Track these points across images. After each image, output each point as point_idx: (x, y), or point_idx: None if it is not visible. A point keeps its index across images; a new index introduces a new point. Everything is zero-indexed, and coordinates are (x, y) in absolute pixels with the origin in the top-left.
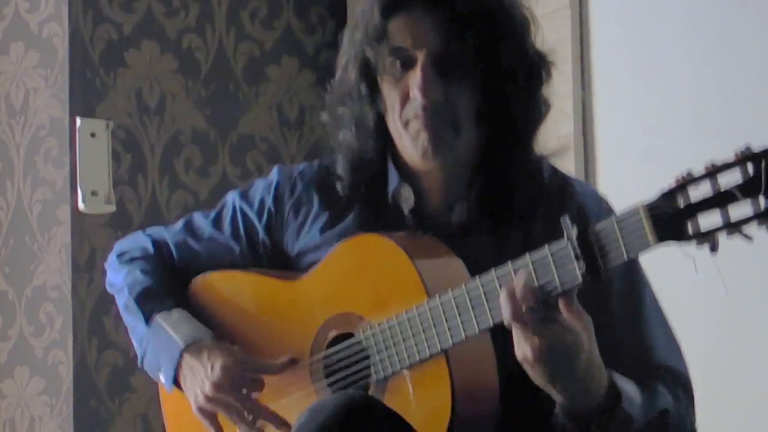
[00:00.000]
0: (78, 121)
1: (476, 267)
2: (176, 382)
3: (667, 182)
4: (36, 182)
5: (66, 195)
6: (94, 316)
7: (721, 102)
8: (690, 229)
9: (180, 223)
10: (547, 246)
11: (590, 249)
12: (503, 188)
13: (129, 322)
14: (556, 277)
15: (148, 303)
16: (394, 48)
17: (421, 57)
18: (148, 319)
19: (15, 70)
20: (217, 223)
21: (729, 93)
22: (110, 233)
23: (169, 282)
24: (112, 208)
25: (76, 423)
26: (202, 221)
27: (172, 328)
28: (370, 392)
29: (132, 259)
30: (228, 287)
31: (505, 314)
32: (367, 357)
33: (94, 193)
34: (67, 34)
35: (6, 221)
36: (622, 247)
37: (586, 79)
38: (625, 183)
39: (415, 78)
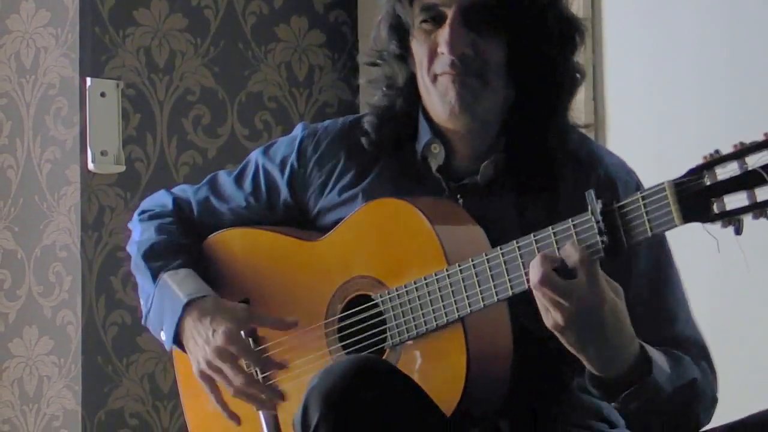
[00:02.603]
0: (88, 81)
1: (499, 230)
2: (177, 342)
3: (678, 167)
4: (46, 142)
5: (76, 155)
6: (102, 276)
7: (732, 90)
8: (716, 209)
9: (204, 181)
10: (570, 219)
11: (614, 224)
12: (532, 150)
13: (138, 279)
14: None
15: (157, 261)
16: (425, 5)
17: (450, 12)
18: (155, 277)
19: (25, 29)
20: (239, 180)
21: (741, 75)
22: (119, 193)
23: (183, 240)
24: (122, 168)
25: (84, 383)
26: (225, 179)
27: (177, 286)
28: (385, 357)
29: (151, 217)
30: (245, 244)
31: (536, 276)
32: (384, 322)
33: (103, 153)
34: None
35: (16, 180)
36: (646, 224)
37: (597, 64)
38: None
39: (443, 33)
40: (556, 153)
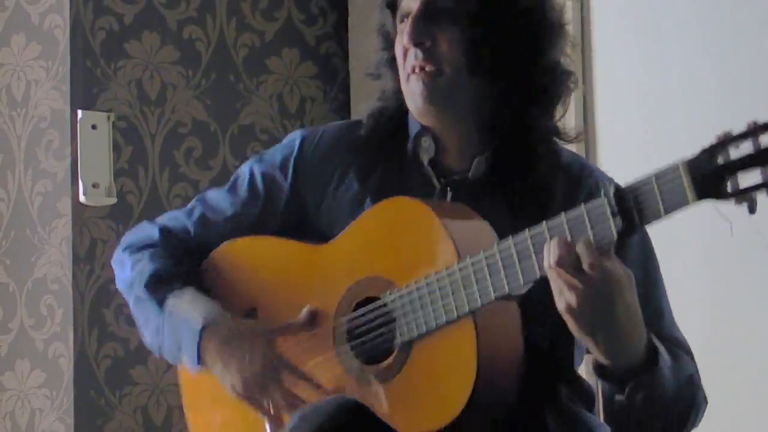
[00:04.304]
0: (79, 113)
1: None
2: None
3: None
4: (37, 174)
5: (67, 187)
6: (94, 309)
7: (722, 98)
8: (729, 187)
9: (194, 201)
10: (583, 204)
11: (627, 207)
12: (521, 150)
13: (141, 315)
14: (591, 235)
15: (159, 288)
16: (401, 7)
17: (415, 6)
18: (161, 305)
19: (16, 62)
20: (232, 191)
21: (730, 82)
22: (111, 225)
23: (179, 263)
24: (113, 200)
25: (76, 415)
26: (216, 194)
27: (187, 308)
28: (394, 356)
29: (139, 249)
30: (251, 252)
31: (553, 256)
32: (393, 320)
33: (95, 186)
34: (68, 25)
35: (7, 213)
36: (660, 204)
37: (587, 71)
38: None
39: (407, 26)
40: (544, 155)
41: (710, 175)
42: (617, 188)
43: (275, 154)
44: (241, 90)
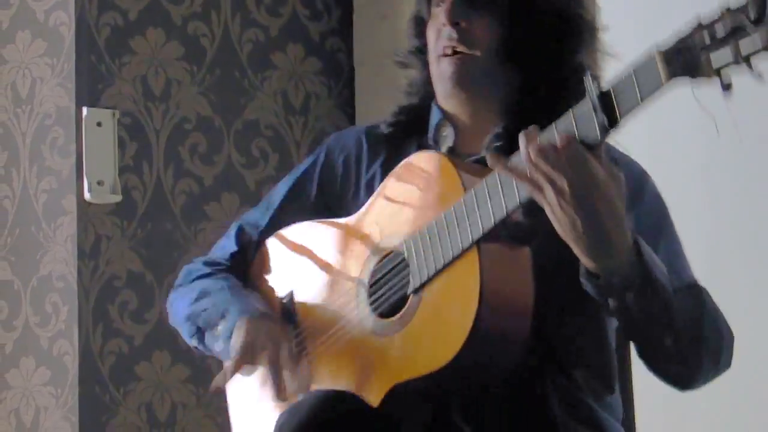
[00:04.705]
0: (84, 110)
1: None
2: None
3: (671, 181)
4: (42, 171)
5: (72, 184)
6: (99, 306)
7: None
8: (702, 64)
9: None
10: (571, 110)
11: (609, 101)
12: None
13: (184, 290)
14: (576, 134)
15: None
16: None
17: None
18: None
19: (21, 59)
20: (265, 205)
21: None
22: (116, 222)
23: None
24: (118, 197)
25: (81, 413)
26: (251, 212)
27: (242, 292)
28: (408, 304)
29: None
30: (288, 239)
31: (533, 149)
32: (406, 267)
33: (100, 183)
34: (73, 22)
35: (12, 210)
36: (637, 90)
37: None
38: None
39: (444, 5)
40: None
41: (683, 55)
42: (600, 87)
43: (300, 166)
44: (246, 86)
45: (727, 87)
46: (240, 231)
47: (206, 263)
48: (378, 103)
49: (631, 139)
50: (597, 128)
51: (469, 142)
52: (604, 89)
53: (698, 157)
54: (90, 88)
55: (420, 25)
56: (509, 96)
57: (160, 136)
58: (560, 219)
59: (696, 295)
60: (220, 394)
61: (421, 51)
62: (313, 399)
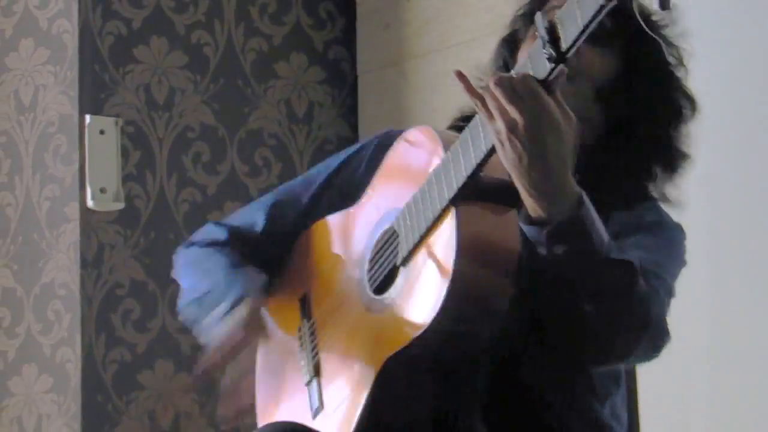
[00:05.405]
0: (87, 118)
1: None
2: None
3: None
4: (45, 179)
5: (75, 192)
6: (101, 314)
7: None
8: None
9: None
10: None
11: (556, 34)
12: (602, 181)
13: (192, 261)
14: (531, 72)
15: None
16: (547, 6)
17: None
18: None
19: (25, 67)
20: (306, 183)
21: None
22: (119, 230)
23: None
24: (121, 205)
25: (83, 421)
26: (290, 185)
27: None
28: (398, 278)
29: (203, 246)
30: (306, 239)
31: (491, 80)
32: (396, 238)
33: (102, 191)
34: (76, 30)
35: (15, 218)
36: (578, 14)
37: None
38: None
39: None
40: (622, 194)
41: None
42: (550, 20)
43: (350, 148)
44: (249, 95)
45: (664, 3)
46: (273, 207)
47: (230, 233)
48: (381, 112)
49: None
50: (546, 61)
51: None
52: (551, 21)
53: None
54: (93, 97)
55: (512, 44)
56: (588, 138)
57: (163, 145)
58: (507, 151)
59: (629, 270)
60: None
61: (506, 67)
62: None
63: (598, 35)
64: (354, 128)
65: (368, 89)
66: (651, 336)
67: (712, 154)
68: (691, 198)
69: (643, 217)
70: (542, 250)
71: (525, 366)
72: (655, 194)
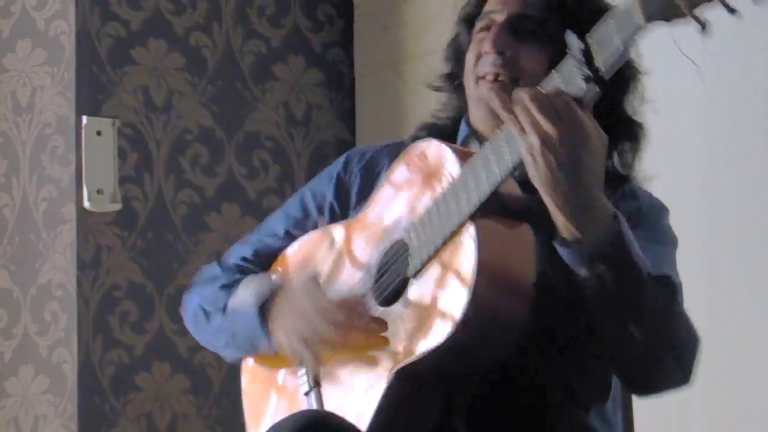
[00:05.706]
0: (84, 119)
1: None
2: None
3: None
4: (42, 180)
5: (71, 193)
6: (98, 315)
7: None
8: (677, 3)
9: (252, 233)
10: (554, 70)
11: (592, 54)
12: None
13: (214, 331)
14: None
15: (220, 299)
16: (482, 15)
17: (499, 19)
18: (224, 311)
19: (22, 68)
20: (285, 213)
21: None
22: (116, 232)
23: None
24: (118, 206)
25: (80, 422)
26: (271, 218)
27: (241, 300)
28: (409, 289)
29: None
30: (303, 252)
31: (525, 95)
32: (407, 250)
33: (99, 192)
34: (73, 31)
35: (12, 219)
36: (616, 37)
37: None
38: None
39: (489, 35)
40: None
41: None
42: (584, 41)
43: (322, 174)
44: (247, 97)
45: (703, 26)
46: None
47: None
48: (379, 114)
49: None
50: (582, 81)
51: None
52: (585, 41)
53: (699, 166)
54: (91, 98)
55: (457, 49)
56: None
57: (161, 147)
58: (539, 166)
59: (669, 286)
60: (219, 404)
61: (455, 76)
62: (291, 420)
63: (528, 38)
64: (352, 130)
65: (366, 91)
66: (695, 353)
67: (712, 154)
68: (691, 198)
69: (620, 208)
70: (582, 272)
71: (510, 373)
72: (623, 172)
